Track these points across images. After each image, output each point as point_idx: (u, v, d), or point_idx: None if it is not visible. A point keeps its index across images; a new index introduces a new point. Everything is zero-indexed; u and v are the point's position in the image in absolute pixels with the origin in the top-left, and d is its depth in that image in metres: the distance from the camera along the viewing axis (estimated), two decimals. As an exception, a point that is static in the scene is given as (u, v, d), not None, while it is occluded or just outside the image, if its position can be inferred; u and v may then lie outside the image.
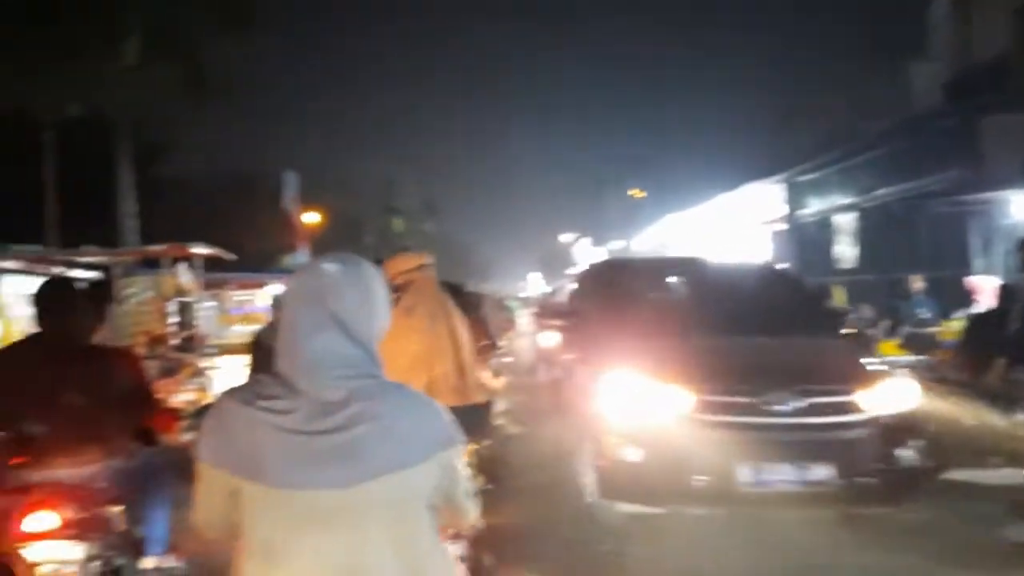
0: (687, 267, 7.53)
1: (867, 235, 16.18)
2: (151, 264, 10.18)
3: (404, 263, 4.35)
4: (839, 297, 9.21)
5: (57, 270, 7.37)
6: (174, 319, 8.82)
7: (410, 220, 44.49)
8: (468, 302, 6.25)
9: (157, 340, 8.53)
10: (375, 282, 1.78)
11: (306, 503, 1.62)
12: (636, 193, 45.50)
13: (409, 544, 1.68)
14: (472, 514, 1.92)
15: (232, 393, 1.74)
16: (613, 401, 5.27)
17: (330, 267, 1.76)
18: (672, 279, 6.99)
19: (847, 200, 16.89)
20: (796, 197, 19.48)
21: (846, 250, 17.31)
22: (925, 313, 9.98)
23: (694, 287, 6.73)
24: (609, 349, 5.60)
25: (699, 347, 5.54)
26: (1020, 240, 6.28)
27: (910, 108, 16.32)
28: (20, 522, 3.49)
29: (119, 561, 3.78)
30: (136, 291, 8.90)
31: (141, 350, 8.50)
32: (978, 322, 6.68)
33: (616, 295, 6.62)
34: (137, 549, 3.96)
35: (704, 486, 4.88)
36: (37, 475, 3.68)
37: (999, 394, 6.06)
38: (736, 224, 22.42)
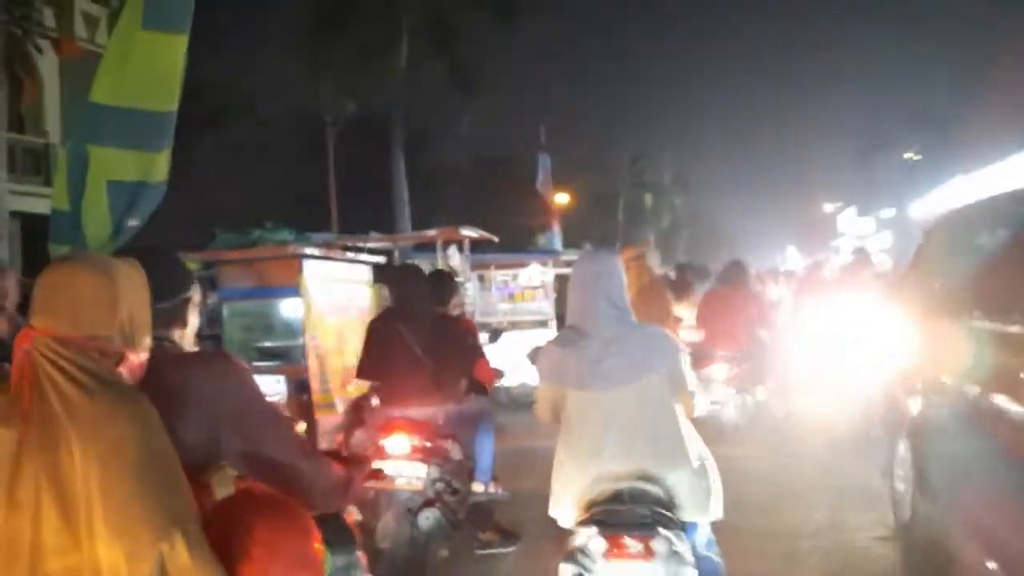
0: None
1: None
2: (424, 248, 10.98)
3: (627, 254, 5.96)
4: None
5: (350, 255, 8.16)
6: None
7: (660, 195, 43.90)
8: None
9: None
10: (620, 267, 3.25)
11: (595, 397, 3.02)
12: (911, 156, 41.39)
13: (661, 420, 3.01)
14: (694, 403, 3.20)
15: (553, 341, 3.26)
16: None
17: (597, 259, 3.32)
18: None
19: None
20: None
21: None
22: None
23: None
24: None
25: None
26: None
27: None
28: (380, 444, 4.56)
29: (456, 484, 4.80)
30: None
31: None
32: None
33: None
34: (470, 475, 5.00)
35: None
36: (395, 412, 4.74)
37: None
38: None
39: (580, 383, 3.04)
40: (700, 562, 2.92)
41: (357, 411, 5.40)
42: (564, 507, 3.03)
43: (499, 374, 5.36)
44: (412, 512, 4.50)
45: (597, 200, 37.17)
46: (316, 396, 6.59)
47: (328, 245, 8.36)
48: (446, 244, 10.07)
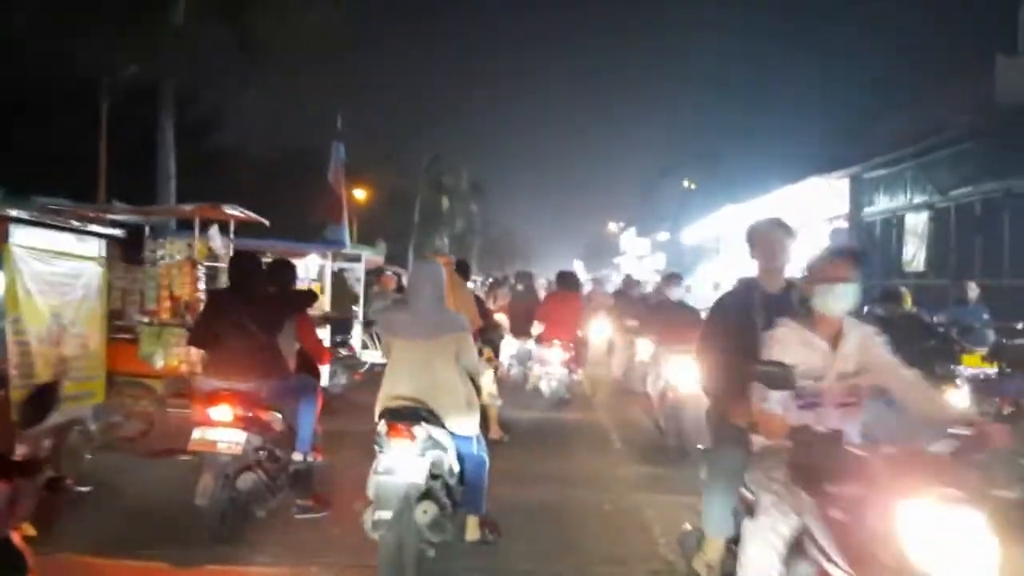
0: None
1: (940, 236, 15.16)
2: (186, 226, 9.81)
3: (444, 261, 6.57)
4: (906, 300, 8.38)
5: (76, 224, 6.91)
6: (203, 283, 8.35)
7: (456, 199, 43.90)
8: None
9: (182, 302, 8.09)
10: (443, 272, 4.97)
11: (406, 344, 4.68)
12: (687, 185, 44.39)
13: (442, 367, 4.64)
14: (480, 374, 5.99)
15: (394, 307, 6.84)
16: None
17: (430, 264, 5.26)
18: None
19: (921, 198, 15.87)
20: (862, 193, 18.45)
21: (914, 251, 16.30)
22: (977, 323, 9.02)
23: None
24: None
25: None
26: None
27: (995, 106, 15.21)
28: (207, 413, 5.01)
29: (278, 452, 5.42)
30: (165, 252, 8.46)
31: (165, 314, 8.07)
32: None
33: None
34: (290, 445, 5.49)
35: None
36: (221, 382, 5.23)
37: None
38: (794, 219, 21.42)
39: (403, 335, 4.73)
40: (469, 456, 4.79)
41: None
42: (377, 413, 4.63)
43: (331, 354, 6.18)
44: (231, 476, 5.00)
45: (394, 198, 36.42)
46: (16, 393, 5.37)
47: (57, 211, 7.06)
48: (206, 223, 8.93)
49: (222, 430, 4.93)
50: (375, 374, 11.59)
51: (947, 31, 18.56)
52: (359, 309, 13.50)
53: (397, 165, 36.28)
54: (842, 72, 22.84)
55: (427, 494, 4.40)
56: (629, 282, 15.86)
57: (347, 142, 21.88)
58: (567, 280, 11.18)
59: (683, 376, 7.77)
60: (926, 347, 7.74)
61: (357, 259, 14.82)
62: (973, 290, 9.81)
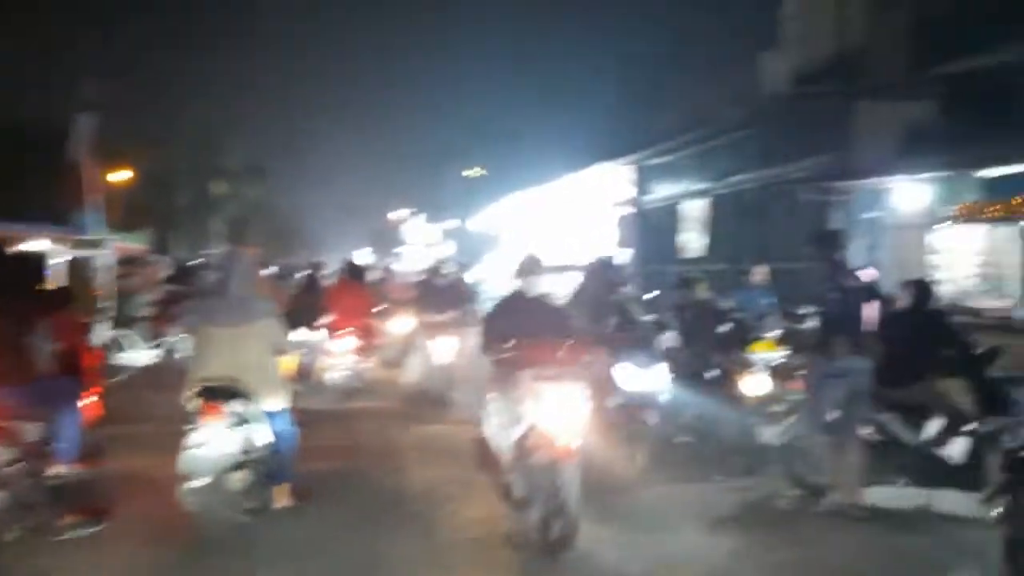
0: None
1: (718, 222, 15.74)
2: None
3: (252, 252, 6.44)
4: (701, 286, 8.20)
5: None
6: None
7: (231, 182, 40.39)
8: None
9: None
10: (250, 260, 5.49)
11: (215, 331, 5.06)
12: (474, 172, 44.16)
13: (252, 349, 5.08)
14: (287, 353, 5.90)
15: (201, 299, 5.54)
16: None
17: (239, 254, 5.54)
18: None
19: (699, 186, 16.39)
20: (646, 181, 18.90)
21: (694, 237, 16.86)
22: (763, 307, 9.17)
23: None
24: None
25: None
26: (820, 232, 6.58)
27: (760, 97, 16.03)
28: None
29: (32, 465, 4.85)
30: None
31: None
32: (892, 323, 5.84)
33: None
34: (49, 457, 4.99)
35: None
36: None
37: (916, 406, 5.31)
38: (583, 206, 21.65)
39: (216, 321, 5.05)
40: (280, 432, 5.17)
41: None
42: (186, 398, 4.93)
43: (99, 355, 6.11)
44: None
45: (158, 181, 33.01)
46: None
47: None
48: None
49: None
50: (144, 377, 10.48)
51: (717, 27, 19.45)
52: (107, 305, 11.66)
53: (164, 144, 32.83)
54: (630, 60, 23.43)
55: (241, 465, 4.87)
56: (435, 268, 12.16)
57: (103, 117, 19.09)
58: (353, 270, 11.04)
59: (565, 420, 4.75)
60: (720, 334, 7.62)
61: (97, 246, 12.81)
62: (759, 274, 9.91)
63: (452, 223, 45.09)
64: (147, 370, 11.11)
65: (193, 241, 36.87)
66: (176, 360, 10.78)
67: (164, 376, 9.17)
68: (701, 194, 16.36)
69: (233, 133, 40.11)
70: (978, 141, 9.99)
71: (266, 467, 5.04)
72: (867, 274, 7.25)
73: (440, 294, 10.25)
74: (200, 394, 4.83)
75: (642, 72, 22.17)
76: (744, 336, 7.79)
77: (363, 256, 40.91)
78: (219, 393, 4.83)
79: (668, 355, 7.25)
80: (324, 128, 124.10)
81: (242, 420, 4.88)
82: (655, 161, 18.17)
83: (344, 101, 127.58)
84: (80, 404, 5.27)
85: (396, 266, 25.99)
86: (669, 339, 7.67)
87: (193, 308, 5.34)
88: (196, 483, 4.54)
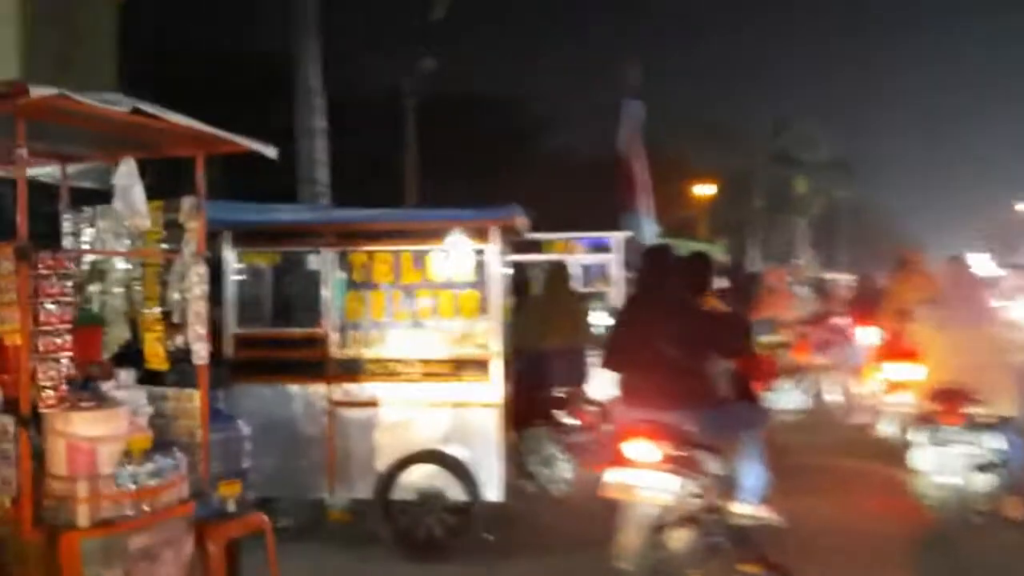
0: None
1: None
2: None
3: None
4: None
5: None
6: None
7: (814, 177, 34.76)
8: None
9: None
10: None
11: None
12: None
13: (997, 358, 5.64)
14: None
15: (933, 305, 6.00)
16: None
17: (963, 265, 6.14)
18: None
19: None
20: None
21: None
22: None
23: None
24: None
25: None
26: None
27: None
28: (620, 448, 4.41)
29: (716, 502, 4.58)
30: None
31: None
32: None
33: None
34: (731, 494, 4.67)
35: None
36: (638, 413, 4.54)
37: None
38: None
39: (946, 325, 5.59)
40: (1013, 440, 5.37)
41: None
42: (918, 398, 5.84)
43: (776, 374, 6.41)
44: (658, 531, 4.38)
45: (730, 181, 29.92)
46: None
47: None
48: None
49: (647, 473, 4.29)
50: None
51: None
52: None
53: (724, 138, 29.53)
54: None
55: (984, 468, 5.18)
56: None
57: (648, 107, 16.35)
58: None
59: None
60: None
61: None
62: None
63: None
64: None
65: (768, 248, 32.79)
66: (826, 404, 9.69)
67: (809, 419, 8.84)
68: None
69: (812, 123, 34.81)
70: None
71: (1002, 474, 5.18)
72: None
73: None
74: (934, 397, 5.22)
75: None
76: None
77: (980, 261, 32.70)
78: (954, 396, 5.14)
79: None
80: (917, 117, 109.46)
81: (977, 425, 5.15)
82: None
83: (943, 87, 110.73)
84: (762, 435, 4.82)
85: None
86: None
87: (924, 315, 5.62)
88: (939, 480, 5.06)
